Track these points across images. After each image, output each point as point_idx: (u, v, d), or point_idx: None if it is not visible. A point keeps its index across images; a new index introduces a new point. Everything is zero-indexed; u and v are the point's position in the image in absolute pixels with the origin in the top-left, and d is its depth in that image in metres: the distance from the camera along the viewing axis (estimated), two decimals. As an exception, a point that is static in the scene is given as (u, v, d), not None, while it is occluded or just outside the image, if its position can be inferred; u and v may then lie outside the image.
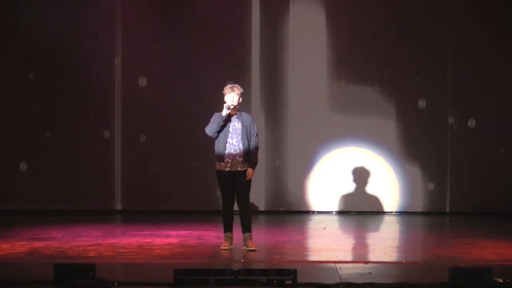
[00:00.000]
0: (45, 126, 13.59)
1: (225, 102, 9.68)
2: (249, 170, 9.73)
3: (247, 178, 9.71)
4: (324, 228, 12.09)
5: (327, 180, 13.63)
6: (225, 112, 9.64)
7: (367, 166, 13.63)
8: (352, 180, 13.62)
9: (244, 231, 9.82)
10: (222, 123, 9.66)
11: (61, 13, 13.46)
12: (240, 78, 13.03)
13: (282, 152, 13.63)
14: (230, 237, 9.82)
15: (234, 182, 9.73)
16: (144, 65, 13.56)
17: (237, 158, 9.71)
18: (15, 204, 13.41)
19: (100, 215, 13.20)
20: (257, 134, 9.83)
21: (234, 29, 13.62)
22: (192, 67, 13.56)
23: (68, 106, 13.60)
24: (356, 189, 13.64)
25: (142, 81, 13.50)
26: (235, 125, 9.74)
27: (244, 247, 9.77)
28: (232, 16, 13.62)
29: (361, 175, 13.62)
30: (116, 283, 7.64)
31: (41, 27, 13.44)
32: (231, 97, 9.67)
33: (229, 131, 9.71)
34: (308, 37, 13.61)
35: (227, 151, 9.70)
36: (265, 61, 13.64)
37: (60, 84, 13.57)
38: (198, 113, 13.27)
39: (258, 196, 13.38)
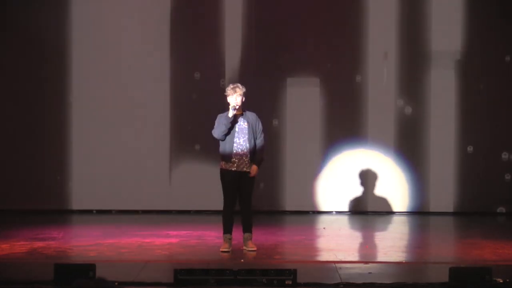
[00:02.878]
0: (45, 126, 13.59)
1: (228, 104, 9.66)
2: (254, 167, 9.69)
3: (250, 175, 9.68)
4: (324, 228, 12.09)
5: (327, 180, 13.63)
6: (231, 113, 9.60)
7: (367, 166, 13.62)
8: (353, 180, 13.63)
9: (244, 231, 9.80)
10: (229, 125, 9.62)
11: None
12: (242, 75, 13.12)
13: (283, 152, 13.62)
14: (230, 239, 9.79)
15: (239, 183, 9.70)
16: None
17: (244, 158, 9.68)
18: (15, 204, 13.40)
19: (100, 215, 13.20)
20: (262, 132, 9.81)
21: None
22: (188, 66, 13.59)
23: (71, 107, 13.61)
24: (356, 190, 13.63)
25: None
26: (241, 124, 9.71)
27: (244, 247, 9.77)
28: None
29: (361, 176, 13.61)
30: (116, 283, 7.64)
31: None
32: (234, 98, 9.63)
33: (235, 131, 9.68)
34: (309, 30, 13.62)
35: (234, 151, 9.66)
36: (267, 57, 13.64)
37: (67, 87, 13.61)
38: (200, 112, 13.31)
39: (259, 195, 13.39)
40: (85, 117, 13.59)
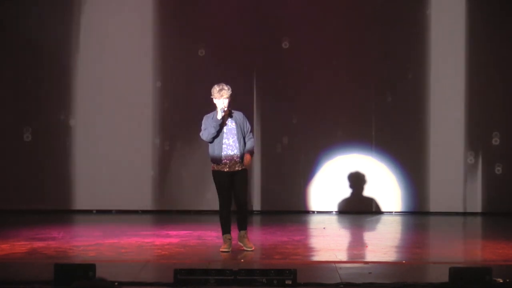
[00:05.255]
0: (45, 126, 13.60)
1: (215, 105, 9.59)
2: (247, 155, 9.61)
3: (244, 164, 9.61)
4: (324, 228, 12.08)
5: (328, 180, 13.63)
6: (220, 115, 9.53)
7: (367, 166, 13.63)
8: (353, 180, 13.62)
9: (240, 229, 9.78)
10: (218, 127, 9.58)
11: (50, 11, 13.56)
12: (241, 78, 13.14)
13: (284, 152, 13.62)
14: (229, 239, 9.78)
15: (232, 182, 9.68)
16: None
17: (235, 158, 9.65)
18: (15, 204, 13.40)
19: (100, 215, 13.21)
20: (251, 131, 9.78)
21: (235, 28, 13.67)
22: (192, 67, 13.60)
23: (71, 108, 13.61)
24: (357, 190, 13.64)
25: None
26: (229, 125, 9.67)
27: (241, 244, 9.75)
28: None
29: (361, 176, 13.62)
30: (116, 283, 7.64)
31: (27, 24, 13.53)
32: (222, 102, 9.53)
33: (224, 132, 9.63)
34: (313, 37, 13.63)
35: (224, 152, 9.63)
36: (268, 62, 13.65)
37: (61, 86, 13.62)
38: (197, 113, 13.31)
39: (258, 196, 13.41)
40: (85, 118, 13.60)
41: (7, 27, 13.55)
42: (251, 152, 9.75)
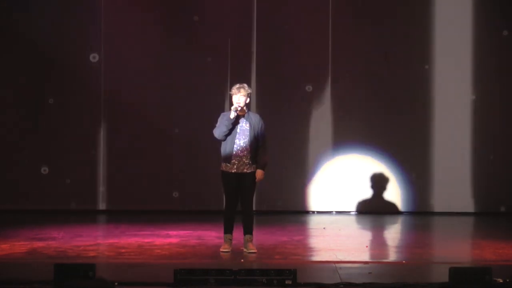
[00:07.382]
0: (45, 126, 13.61)
1: (232, 103, 9.63)
2: (259, 172, 9.64)
3: (256, 180, 9.65)
4: (324, 228, 12.09)
5: (328, 180, 13.63)
6: (232, 114, 9.53)
7: (367, 166, 13.63)
8: (353, 181, 13.63)
9: (245, 233, 9.73)
10: (230, 126, 9.56)
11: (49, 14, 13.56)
12: (240, 76, 13.14)
13: (284, 152, 13.63)
14: (230, 239, 9.76)
15: (239, 184, 9.66)
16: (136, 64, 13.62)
17: (244, 159, 9.64)
18: (15, 204, 13.41)
19: (100, 215, 13.21)
20: (264, 136, 9.73)
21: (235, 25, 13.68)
22: (187, 64, 13.58)
23: (61, 106, 13.60)
24: (357, 190, 13.64)
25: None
26: (243, 126, 9.65)
27: (245, 249, 9.73)
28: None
29: (361, 177, 13.62)
30: (116, 283, 7.64)
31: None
32: (238, 98, 9.55)
33: (236, 132, 9.61)
34: (312, 36, 13.64)
35: (234, 152, 9.60)
36: (266, 61, 13.65)
37: (48, 86, 13.59)
38: (197, 112, 13.33)
39: (258, 196, 13.42)
40: (85, 118, 13.60)
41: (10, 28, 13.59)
42: (264, 165, 9.69)
